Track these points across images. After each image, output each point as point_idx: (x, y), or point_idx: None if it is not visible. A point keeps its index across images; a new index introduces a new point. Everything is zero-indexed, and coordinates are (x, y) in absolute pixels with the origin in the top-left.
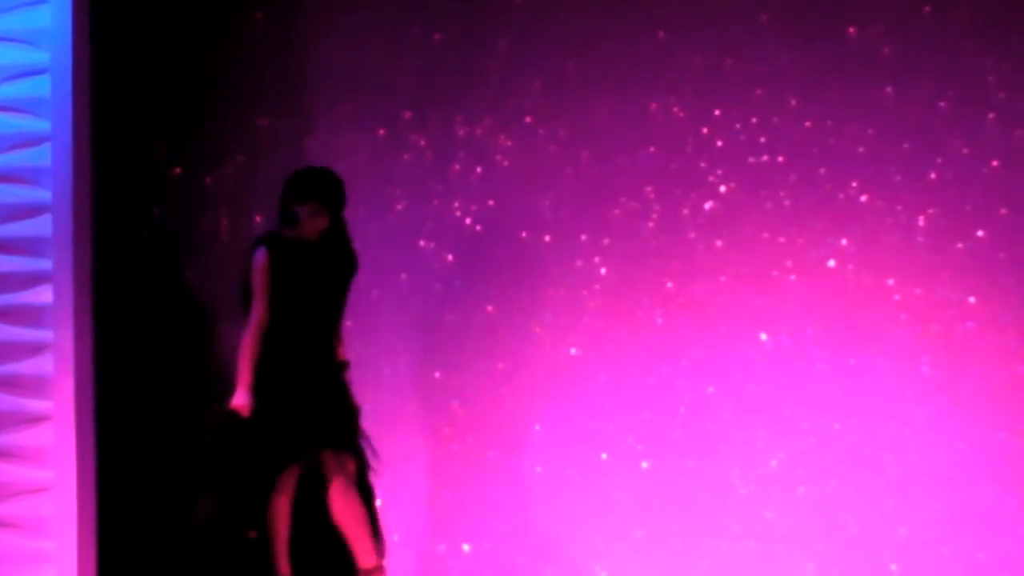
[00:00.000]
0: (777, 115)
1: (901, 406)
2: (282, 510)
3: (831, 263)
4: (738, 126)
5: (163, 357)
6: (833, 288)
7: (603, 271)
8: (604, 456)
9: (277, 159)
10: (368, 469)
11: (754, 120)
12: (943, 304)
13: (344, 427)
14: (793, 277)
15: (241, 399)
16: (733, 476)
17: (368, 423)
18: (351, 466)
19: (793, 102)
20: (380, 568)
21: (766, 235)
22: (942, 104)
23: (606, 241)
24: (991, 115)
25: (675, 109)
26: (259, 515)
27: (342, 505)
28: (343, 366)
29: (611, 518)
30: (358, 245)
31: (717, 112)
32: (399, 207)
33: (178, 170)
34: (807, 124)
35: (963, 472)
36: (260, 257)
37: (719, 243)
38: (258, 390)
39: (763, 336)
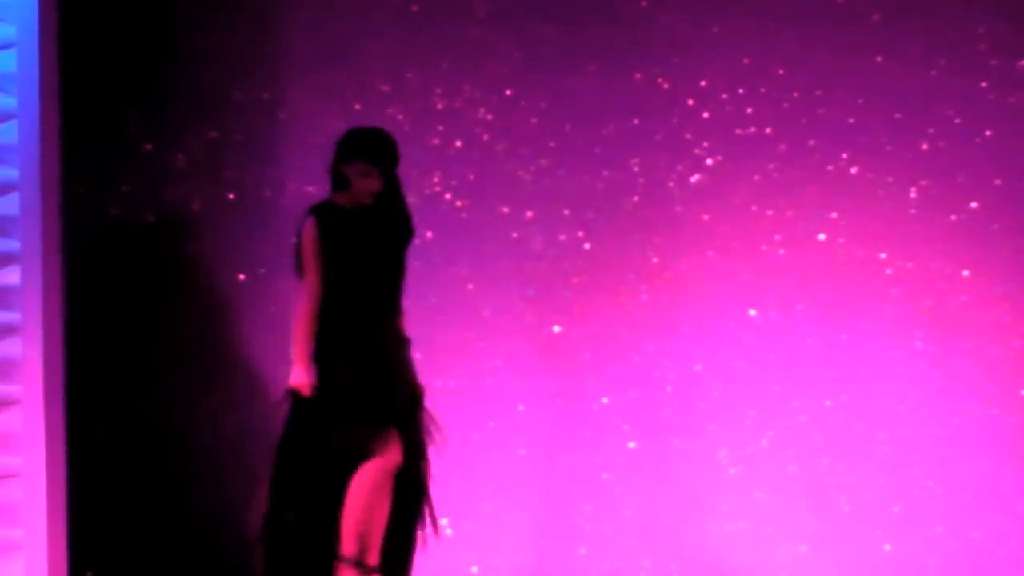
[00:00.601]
0: (764, 85)
1: (894, 382)
2: (362, 494)
3: (821, 237)
4: (724, 96)
5: (135, 339)
6: (823, 262)
7: (587, 246)
8: (589, 435)
9: (250, 134)
10: (423, 464)
11: (741, 91)
12: (936, 277)
13: (401, 410)
14: (782, 251)
15: (299, 377)
16: (722, 456)
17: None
18: (395, 455)
19: (781, 72)
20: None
21: (754, 208)
22: (933, 72)
23: (590, 215)
24: (984, 83)
25: (660, 80)
26: (328, 502)
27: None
28: (405, 342)
29: (597, 499)
30: None
31: (703, 83)
32: None
33: (148, 146)
34: (795, 94)
35: (957, 449)
36: (308, 227)
37: (706, 217)
38: (318, 368)
39: (752, 312)
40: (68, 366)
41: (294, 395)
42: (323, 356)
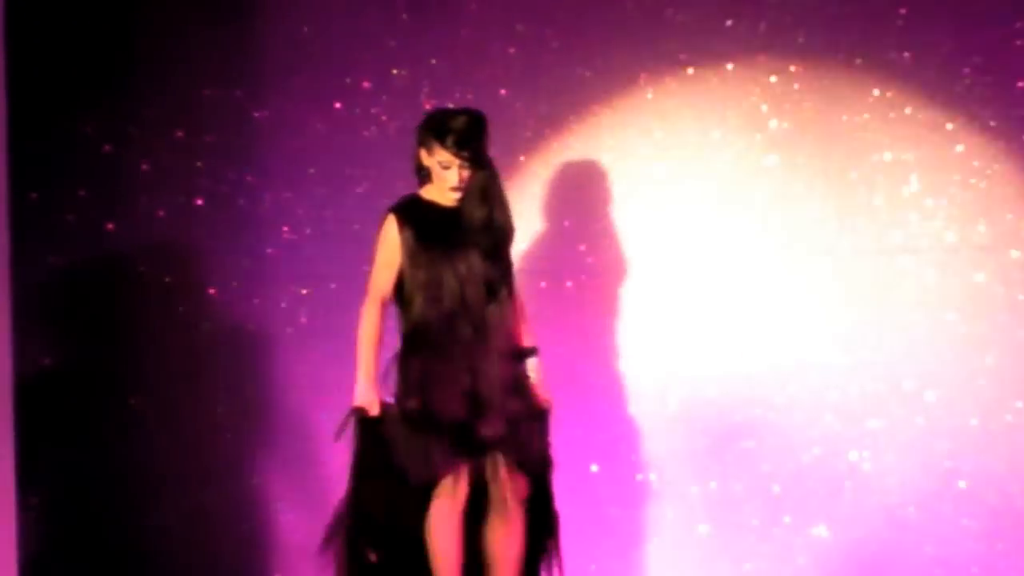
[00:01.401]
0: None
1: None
2: (443, 529)
3: None
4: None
5: (90, 362)
6: None
7: (590, 260)
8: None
9: (222, 135)
10: (548, 492)
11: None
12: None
13: (508, 433)
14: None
15: (363, 395)
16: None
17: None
18: (461, 493)
19: (792, 68)
20: None
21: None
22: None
23: (594, 226)
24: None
25: (667, 79)
26: (408, 534)
27: (493, 535)
28: (519, 353)
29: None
30: (310, 232)
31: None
32: (359, 189)
33: (107, 147)
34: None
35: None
36: (385, 224)
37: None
38: (402, 388)
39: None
40: (17, 375)
41: (360, 417)
42: (399, 377)
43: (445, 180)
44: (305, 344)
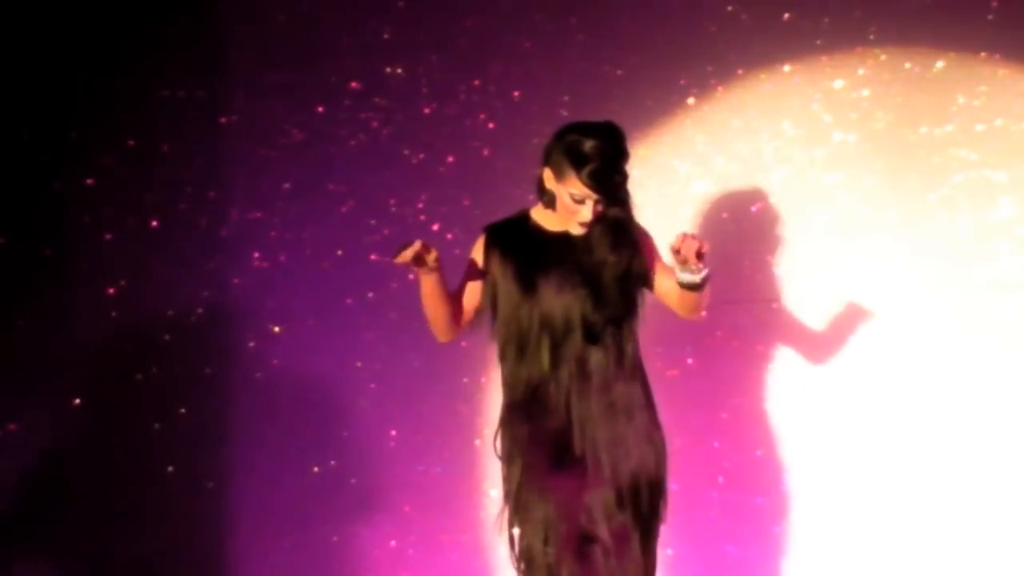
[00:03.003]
0: None
1: None
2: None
3: None
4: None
5: (28, 411)
6: None
7: None
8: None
9: (181, 144)
10: (651, 550)
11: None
12: None
13: (617, 503)
14: None
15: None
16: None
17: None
18: (624, 538)
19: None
20: None
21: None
22: None
23: None
24: None
25: (712, 82)
26: None
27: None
28: (627, 411)
29: None
30: (284, 259)
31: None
32: (343, 208)
33: (46, 156)
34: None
35: None
36: (477, 243)
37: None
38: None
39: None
40: None
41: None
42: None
43: (575, 214)
44: (278, 391)
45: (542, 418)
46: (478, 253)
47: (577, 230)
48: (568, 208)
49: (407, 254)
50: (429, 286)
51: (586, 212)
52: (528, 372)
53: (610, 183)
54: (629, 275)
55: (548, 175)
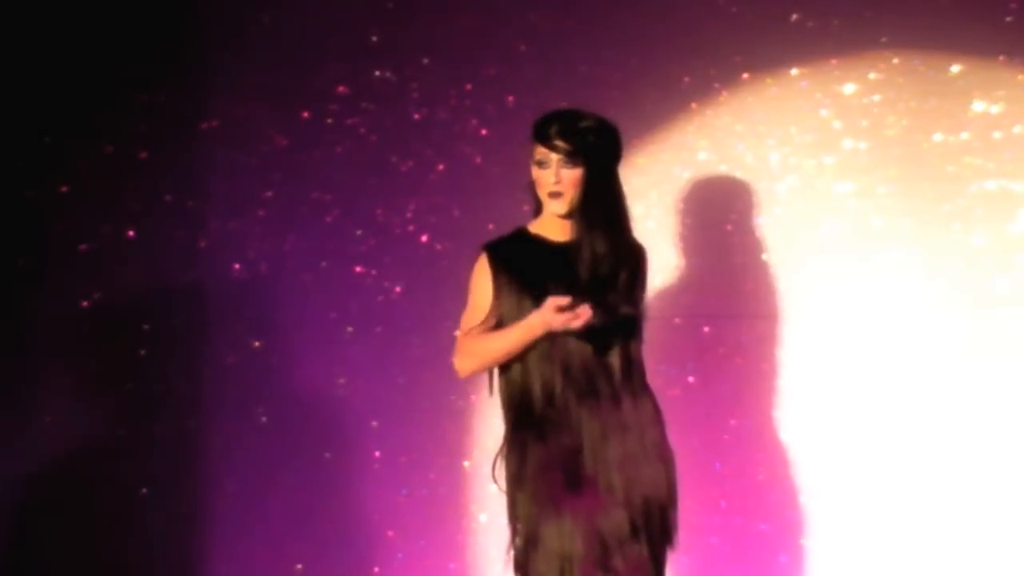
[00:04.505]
0: None
1: None
2: None
3: None
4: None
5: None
6: None
7: None
8: None
9: (159, 150)
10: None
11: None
12: None
13: (632, 524)
14: None
15: (537, 322)
16: None
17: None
18: (639, 569)
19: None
20: None
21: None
22: None
23: None
24: None
25: (716, 85)
26: None
27: None
28: (635, 432)
29: None
30: (266, 271)
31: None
32: (328, 218)
33: (20, 162)
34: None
35: None
36: (476, 265)
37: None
38: (509, 483)
39: None
40: None
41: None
42: (505, 469)
43: (544, 186)
44: (257, 409)
45: (553, 439)
46: (485, 275)
47: (557, 209)
48: (539, 184)
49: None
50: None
51: (549, 176)
52: (535, 389)
53: (576, 138)
54: (636, 282)
55: (532, 169)
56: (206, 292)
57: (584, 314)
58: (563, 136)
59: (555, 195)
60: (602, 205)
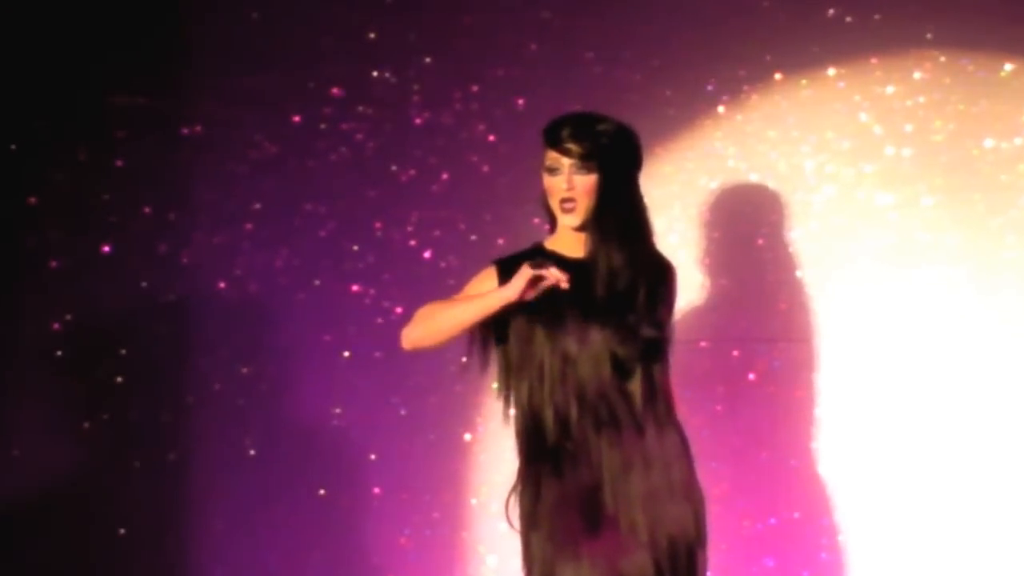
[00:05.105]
0: None
1: None
2: None
3: None
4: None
5: None
6: None
7: None
8: None
9: (137, 158)
10: None
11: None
12: None
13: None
14: None
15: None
16: None
17: None
18: None
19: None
20: None
21: None
22: None
23: None
24: None
25: (746, 88)
26: None
27: None
28: (658, 466)
29: None
30: (256, 290)
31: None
32: (323, 232)
33: None
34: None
35: None
36: (481, 273)
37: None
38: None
39: None
40: None
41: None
42: (519, 504)
43: (554, 193)
44: (245, 442)
45: (570, 473)
46: (483, 283)
47: (570, 221)
48: (550, 192)
49: (546, 276)
50: (490, 312)
51: (560, 183)
52: (548, 417)
53: (581, 139)
54: (659, 300)
55: (543, 178)
56: (189, 313)
57: (552, 276)
58: (576, 139)
59: (567, 203)
60: (618, 214)
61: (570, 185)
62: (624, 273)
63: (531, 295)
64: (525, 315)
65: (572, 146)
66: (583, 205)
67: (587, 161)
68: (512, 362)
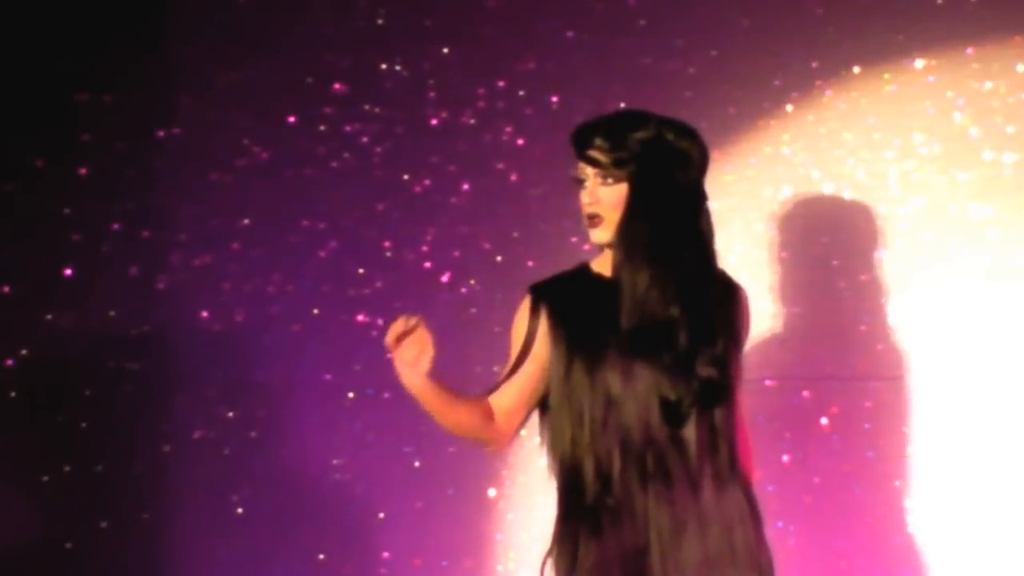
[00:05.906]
0: None
1: None
2: None
3: None
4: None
5: None
6: None
7: None
8: None
9: (103, 165)
10: None
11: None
12: None
13: None
14: None
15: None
16: None
17: None
18: None
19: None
20: None
21: None
22: None
23: None
24: None
25: (818, 83)
26: None
27: None
28: (728, 516)
29: None
30: (242, 320)
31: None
32: (322, 252)
33: None
34: None
35: None
36: (520, 310)
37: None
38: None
39: None
40: None
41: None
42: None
43: (582, 207)
44: (232, 496)
45: (610, 532)
46: (523, 325)
47: (597, 238)
48: (582, 207)
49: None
50: (428, 397)
51: (585, 196)
52: (587, 469)
53: (605, 147)
54: (721, 331)
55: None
56: (166, 347)
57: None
58: (601, 146)
59: (592, 219)
60: (643, 225)
61: (593, 199)
62: (654, 296)
63: (414, 355)
64: (563, 353)
65: (596, 155)
66: (611, 220)
67: (615, 170)
68: (548, 402)
